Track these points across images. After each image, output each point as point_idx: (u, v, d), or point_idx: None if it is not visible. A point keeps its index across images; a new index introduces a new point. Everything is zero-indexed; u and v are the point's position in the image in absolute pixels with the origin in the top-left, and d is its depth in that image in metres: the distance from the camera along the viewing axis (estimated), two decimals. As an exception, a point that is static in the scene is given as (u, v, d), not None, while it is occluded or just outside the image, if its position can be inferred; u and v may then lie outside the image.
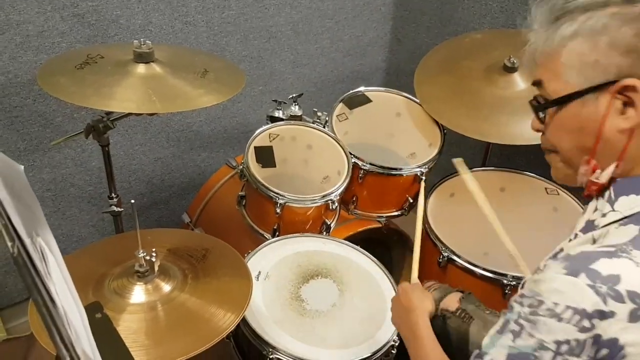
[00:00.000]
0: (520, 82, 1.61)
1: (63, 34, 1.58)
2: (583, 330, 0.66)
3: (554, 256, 0.79)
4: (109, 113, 1.31)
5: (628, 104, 0.72)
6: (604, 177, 0.77)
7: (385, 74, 2.44)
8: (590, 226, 0.78)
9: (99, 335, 0.78)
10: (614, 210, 0.75)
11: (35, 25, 1.53)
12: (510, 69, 1.60)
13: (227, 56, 1.92)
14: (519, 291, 0.75)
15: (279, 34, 2.03)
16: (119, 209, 1.40)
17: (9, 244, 0.39)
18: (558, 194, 1.61)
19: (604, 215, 0.76)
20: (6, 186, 0.42)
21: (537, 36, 0.79)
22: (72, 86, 1.08)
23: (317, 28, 2.12)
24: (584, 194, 0.83)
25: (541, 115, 0.81)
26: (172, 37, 1.78)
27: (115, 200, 1.40)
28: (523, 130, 1.52)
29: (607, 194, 0.78)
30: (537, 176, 1.64)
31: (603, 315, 0.65)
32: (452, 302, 1.23)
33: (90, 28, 1.62)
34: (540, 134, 0.84)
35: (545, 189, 1.63)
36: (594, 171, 0.78)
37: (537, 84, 0.81)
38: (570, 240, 0.82)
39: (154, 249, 0.99)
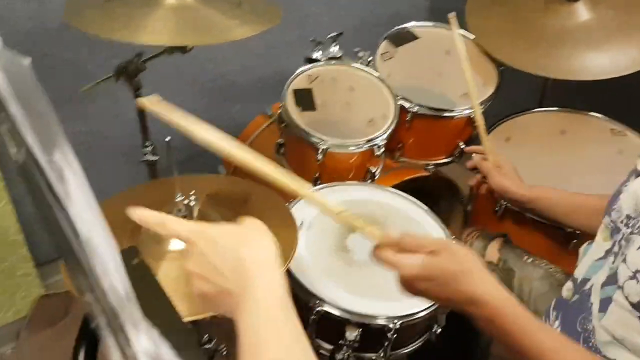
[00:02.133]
0: (583, 12, 1.44)
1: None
2: None
3: None
4: (139, 54, 1.23)
5: None
6: None
7: (430, 14, 2.28)
8: None
9: (136, 282, 0.72)
10: None
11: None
12: (574, -2, 1.44)
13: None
14: None
15: (313, -27, 1.90)
16: (154, 157, 1.33)
17: (12, 151, 0.31)
18: (625, 135, 1.47)
19: None
20: (11, 83, 0.33)
21: None
22: (99, 19, 1.00)
23: (353, -35, 1.97)
24: None
25: None
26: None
27: (149, 148, 1.33)
28: (589, 64, 1.37)
29: None
30: (602, 116, 1.50)
31: None
32: (493, 250, 1.17)
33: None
34: None
35: (611, 129, 1.48)
36: None
37: None
38: None
39: (192, 192, 0.91)
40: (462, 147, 1.51)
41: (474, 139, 1.51)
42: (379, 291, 1.12)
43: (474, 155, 1.30)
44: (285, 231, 1.00)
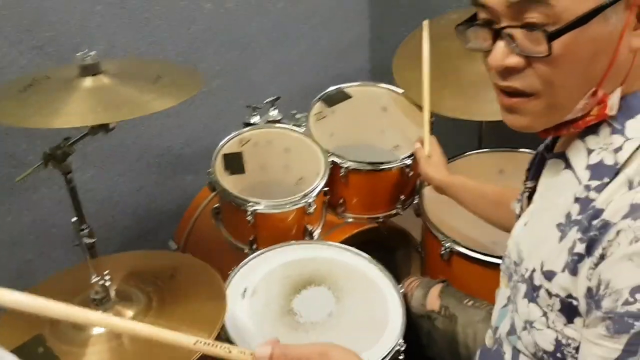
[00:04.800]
0: (505, 55, 1.50)
1: (23, 68, 1.52)
2: None
3: (591, 220, 0.62)
4: (66, 139, 1.23)
5: None
6: (615, 106, 0.64)
7: (372, 74, 2.35)
8: (602, 169, 0.64)
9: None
10: (628, 138, 0.63)
11: (-8, 63, 1.48)
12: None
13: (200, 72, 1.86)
14: (607, 290, 0.59)
15: (253, 44, 1.96)
16: (91, 240, 1.30)
17: None
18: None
19: (618, 149, 0.63)
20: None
21: None
22: (14, 109, 1.00)
23: (292, 34, 2.05)
24: (549, 134, 0.72)
25: (531, 52, 0.62)
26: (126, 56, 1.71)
27: (86, 231, 1.31)
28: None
29: (604, 128, 0.66)
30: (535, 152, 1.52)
31: None
32: (434, 298, 1.16)
33: (51, 59, 1.56)
34: (505, 76, 0.66)
35: (548, 164, 1.50)
36: (600, 103, 0.64)
37: (529, 1, 0.61)
38: (578, 199, 0.66)
39: (106, 272, 0.89)
40: (402, 198, 1.51)
41: (414, 190, 1.53)
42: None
43: (416, 142, 1.41)
44: (213, 299, 0.97)
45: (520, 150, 1.55)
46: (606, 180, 0.64)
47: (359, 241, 1.50)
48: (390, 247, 1.68)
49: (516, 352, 0.76)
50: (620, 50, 0.62)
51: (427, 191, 1.47)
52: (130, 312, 0.93)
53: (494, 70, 0.67)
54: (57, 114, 0.99)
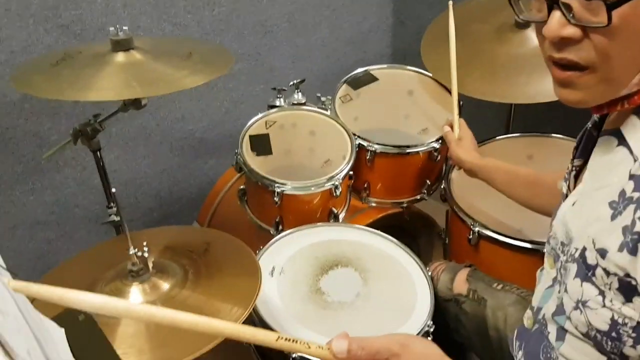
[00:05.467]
0: (535, 38, 1.48)
1: (49, 46, 1.52)
2: None
3: None
4: (96, 115, 1.23)
5: None
6: None
7: (392, 60, 2.33)
8: None
9: (83, 337, 0.69)
10: None
11: (18, 41, 1.47)
12: (523, 25, 1.48)
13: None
14: None
15: (275, 27, 1.95)
16: (118, 218, 1.30)
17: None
18: (591, 154, 1.47)
19: None
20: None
21: None
22: (46, 82, 1.00)
23: (314, 18, 2.03)
24: (602, 111, 0.70)
25: (589, 22, 0.61)
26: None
27: (114, 209, 1.31)
28: (545, 88, 1.39)
29: None
30: (566, 137, 1.51)
31: None
32: (461, 282, 1.15)
33: (76, 38, 1.56)
34: (560, 47, 0.65)
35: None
36: None
37: None
38: (633, 175, 0.64)
39: (145, 243, 0.89)
40: (429, 183, 1.50)
41: (440, 176, 1.52)
42: (356, 332, 1.07)
43: (445, 126, 1.40)
44: (247, 274, 0.97)
45: (551, 135, 1.52)
46: None
47: (381, 226, 1.49)
48: (412, 233, 1.67)
49: (562, 331, 0.74)
50: None
51: (455, 176, 1.45)
52: (167, 285, 0.92)
53: (549, 41, 0.65)
54: (91, 88, 0.98)
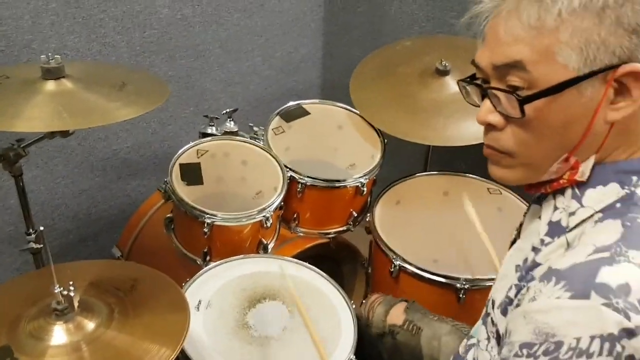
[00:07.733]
0: (453, 85, 1.60)
1: (-31, 62, 1.44)
2: (617, 357, 0.57)
3: (528, 270, 0.69)
4: (19, 140, 1.19)
5: (619, 92, 0.64)
6: (586, 173, 0.68)
7: (321, 90, 2.41)
8: (557, 228, 0.70)
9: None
10: (582, 206, 0.68)
11: None
12: (443, 72, 1.59)
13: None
14: (508, 339, 0.64)
15: (207, 52, 1.95)
16: (38, 246, 1.25)
17: None
18: (501, 194, 1.60)
19: (572, 213, 0.68)
20: None
21: (516, 3, 0.64)
22: (-30, 108, 0.96)
23: (247, 45, 2.06)
24: (531, 191, 0.75)
25: (508, 112, 0.67)
26: (91, 60, 1.66)
27: (33, 236, 1.26)
28: (461, 132, 1.50)
29: (568, 190, 0.70)
30: (478, 177, 1.63)
31: (631, 333, 0.56)
32: (398, 314, 1.19)
33: (0, 54, 1.48)
34: (487, 130, 0.72)
35: (488, 189, 1.61)
36: (573, 169, 0.68)
37: (509, 66, 0.66)
38: (534, 248, 0.72)
39: (71, 282, 0.87)
40: (355, 215, 1.56)
41: (366, 208, 1.59)
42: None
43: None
44: (175, 312, 0.96)
45: (466, 175, 1.64)
46: (555, 239, 0.70)
47: (307, 254, 1.53)
48: (337, 261, 1.73)
49: None
50: (595, 122, 0.64)
51: (378, 209, 1.53)
52: (92, 324, 0.90)
53: (479, 124, 0.73)
54: (19, 117, 0.95)
